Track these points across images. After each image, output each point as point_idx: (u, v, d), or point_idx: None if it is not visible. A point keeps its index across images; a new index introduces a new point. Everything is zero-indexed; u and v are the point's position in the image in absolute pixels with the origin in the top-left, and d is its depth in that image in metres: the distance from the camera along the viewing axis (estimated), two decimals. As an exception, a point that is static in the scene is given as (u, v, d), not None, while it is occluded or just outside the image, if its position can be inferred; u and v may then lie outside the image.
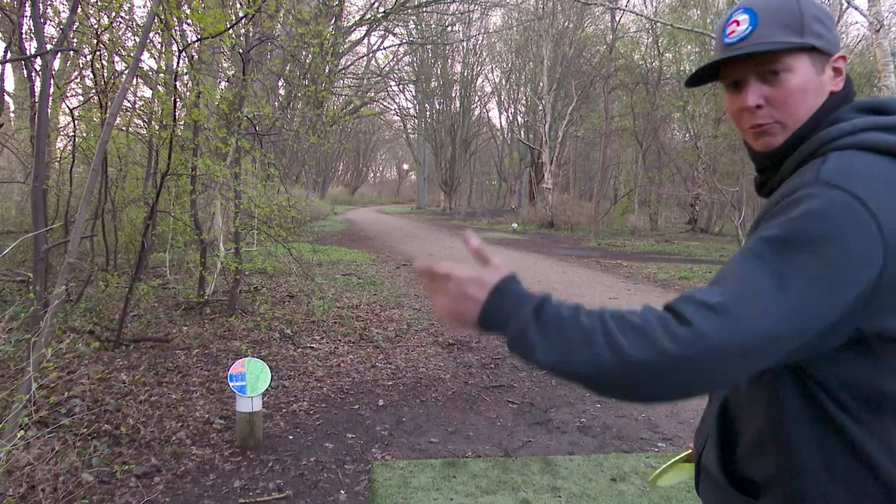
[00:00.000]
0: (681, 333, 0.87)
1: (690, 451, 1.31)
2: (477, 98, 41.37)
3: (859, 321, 0.93)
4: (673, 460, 1.46)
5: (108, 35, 6.00)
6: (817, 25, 1.07)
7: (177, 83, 5.49)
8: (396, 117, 43.83)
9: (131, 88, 7.70)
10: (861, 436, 0.97)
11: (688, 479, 1.36)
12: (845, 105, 1.08)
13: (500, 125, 44.16)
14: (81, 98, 8.04)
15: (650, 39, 26.25)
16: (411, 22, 27.75)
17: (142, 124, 8.53)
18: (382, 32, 24.41)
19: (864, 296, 0.91)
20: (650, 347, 0.87)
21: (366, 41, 23.52)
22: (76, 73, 8.62)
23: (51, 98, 6.07)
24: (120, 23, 6.81)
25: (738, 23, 1.10)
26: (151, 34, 6.37)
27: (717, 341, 0.87)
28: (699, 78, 1.17)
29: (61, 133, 8.12)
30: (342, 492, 3.30)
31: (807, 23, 1.07)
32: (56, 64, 8.21)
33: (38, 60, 4.91)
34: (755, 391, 1.08)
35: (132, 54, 4.53)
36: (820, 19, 1.08)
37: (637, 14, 21.85)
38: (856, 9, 10.80)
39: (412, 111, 41.82)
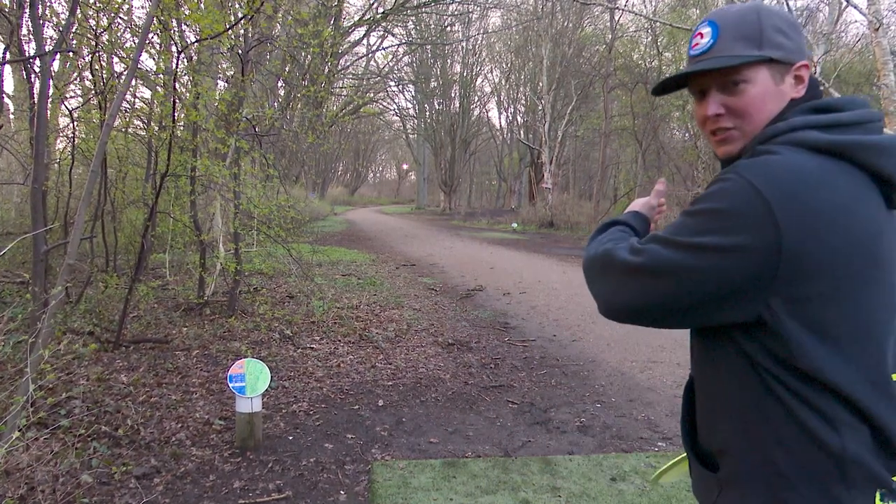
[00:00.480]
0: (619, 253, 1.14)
1: None
2: (476, 98, 41.38)
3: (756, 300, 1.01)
4: (676, 459, 1.47)
5: (107, 36, 6.00)
6: (778, 37, 1.13)
7: (176, 84, 5.49)
8: (396, 117, 43.84)
9: (130, 90, 7.70)
10: (799, 408, 1.03)
11: (688, 477, 1.38)
12: (801, 108, 1.13)
13: (500, 125, 44.17)
14: (81, 99, 8.05)
15: (649, 39, 26.24)
16: (410, 22, 27.74)
17: (141, 125, 8.53)
18: (382, 33, 24.41)
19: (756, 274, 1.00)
20: (602, 251, 1.20)
21: (365, 41, 23.52)
22: (76, 74, 8.62)
23: (50, 99, 6.07)
24: (119, 24, 6.81)
25: (701, 35, 1.17)
26: (151, 35, 6.37)
27: (625, 263, 1.11)
28: (667, 87, 1.24)
29: (61, 134, 8.12)
30: (342, 492, 3.30)
31: (766, 35, 1.12)
32: (56, 65, 8.22)
33: (38, 62, 4.90)
34: (706, 368, 1.16)
35: (131, 55, 4.52)
36: (782, 30, 1.13)
37: (636, 14, 21.85)
38: (855, 7, 10.80)
39: (412, 111, 41.85)
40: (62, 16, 6.55)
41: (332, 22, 15.01)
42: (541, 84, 26.99)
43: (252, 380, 3.71)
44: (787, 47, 1.13)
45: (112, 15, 6.07)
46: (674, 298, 1.07)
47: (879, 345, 1.05)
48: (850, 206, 1.01)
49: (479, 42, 36.63)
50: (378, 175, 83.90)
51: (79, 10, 5.31)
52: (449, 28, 30.87)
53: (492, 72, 41.79)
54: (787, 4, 15.60)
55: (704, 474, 1.20)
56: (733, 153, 1.17)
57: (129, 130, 7.74)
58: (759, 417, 1.07)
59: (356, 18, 19.37)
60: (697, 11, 24.69)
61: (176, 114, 5.63)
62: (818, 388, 1.02)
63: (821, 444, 1.03)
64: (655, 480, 1.48)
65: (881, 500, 1.05)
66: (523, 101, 36.55)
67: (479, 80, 40.79)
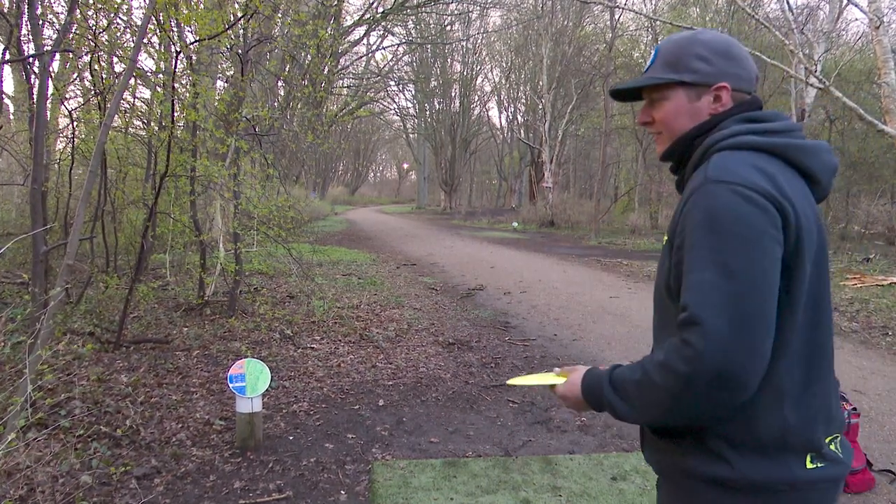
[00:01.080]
0: (686, 353, 1.11)
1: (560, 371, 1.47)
2: (477, 97, 41.38)
3: None
4: (539, 375, 1.60)
5: (106, 36, 5.99)
6: (697, 63, 1.31)
7: (175, 84, 5.48)
8: (396, 117, 43.83)
9: (130, 90, 7.69)
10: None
11: (537, 385, 1.54)
12: (735, 118, 1.30)
13: (500, 124, 44.17)
14: (80, 100, 8.04)
15: (650, 38, 26.21)
16: (410, 22, 27.73)
17: (141, 125, 8.52)
18: (381, 32, 24.39)
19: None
20: (673, 375, 1.12)
21: (365, 41, 23.50)
22: (75, 74, 8.61)
23: (49, 100, 6.07)
24: (118, 24, 6.81)
25: (651, 56, 1.39)
26: (150, 35, 6.37)
27: (708, 347, 1.10)
28: (622, 95, 1.47)
29: (61, 135, 8.12)
30: (342, 492, 3.29)
31: (684, 62, 1.32)
32: (55, 66, 8.21)
33: (37, 62, 4.90)
34: (662, 339, 1.30)
35: (130, 56, 4.51)
36: (703, 57, 1.31)
37: (636, 12, 21.82)
38: (856, 5, 10.77)
39: (412, 111, 41.82)
40: (61, 16, 6.55)
41: (331, 22, 15.01)
42: (541, 83, 26.98)
43: (252, 380, 3.70)
44: (703, 72, 1.30)
45: (111, 15, 6.06)
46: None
47: (826, 314, 1.24)
48: (792, 188, 1.20)
49: (479, 41, 36.64)
50: (378, 175, 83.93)
51: (78, 11, 5.30)
52: (449, 27, 30.86)
53: (492, 71, 41.77)
54: (788, 3, 15.58)
55: (653, 439, 1.34)
56: (661, 153, 1.41)
57: (129, 131, 7.74)
58: None
59: (356, 18, 19.36)
60: (697, 10, 24.68)
61: (175, 114, 5.62)
62: (780, 357, 1.18)
63: (762, 414, 1.18)
64: (512, 384, 1.59)
65: (811, 462, 1.19)
66: (523, 101, 36.54)
67: (480, 79, 40.81)
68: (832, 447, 1.23)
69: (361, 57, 25.34)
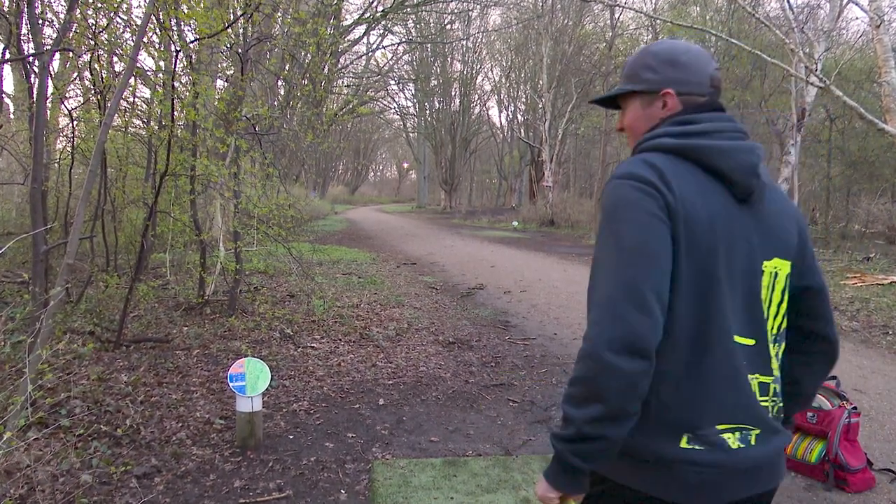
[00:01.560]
0: (586, 333, 1.26)
1: None
2: (477, 96, 41.35)
3: None
4: None
5: (105, 35, 5.98)
6: (646, 73, 1.44)
7: (175, 83, 5.48)
8: (396, 116, 43.81)
9: (130, 89, 7.69)
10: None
11: None
12: (668, 120, 1.41)
13: (500, 123, 44.16)
14: (80, 99, 8.04)
15: (650, 37, 26.19)
16: (410, 21, 27.72)
17: (141, 125, 8.52)
18: (381, 31, 24.37)
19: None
20: (581, 361, 1.26)
21: (365, 40, 23.49)
22: (75, 74, 8.61)
23: (49, 99, 6.06)
24: (118, 23, 6.80)
25: None
26: (150, 34, 6.37)
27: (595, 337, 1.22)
28: (606, 104, 1.59)
29: (61, 134, 8.12)
30: (342, 491, 3.29)
31: (636, 73, 1.46)
32: (55, 65, 8.20)
33: (36, 61, 4.89)
34: None
35: (130, 55, 4.51)
36: (651, 66, 1.43)
37: (636, 11, 21.81)
38: (856, 4, 10.77)
39: (412, 110, 41.79)
40: (61, 15, 6.55)
41: (331, 20, 15.00)
42: (541, 82, 26.96)
43: (252, 379, 3.70)
44: (651, 80, 1.42)
45: (111, 14, 6.06)
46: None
47: (719, 307, 1.28)
48: (695, 190, 1.29)
49: (479, 40, 36.62)
50: (378, 174, 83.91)
51: (77, 10, 5.29)
52: (449, 26, 30.84)
53: (492, 70, 41.73)
54: (788, 1, 15.56)
55: None
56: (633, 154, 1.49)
57: (129, 130, 7.74)
58: None
59: (356, 16, 19.35)
60: (697, 9, 24.68)
61: (175, 113, 5.62)
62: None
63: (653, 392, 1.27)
64: None
65: (688, 443, 1.27)
66: (524, 100, 36.51)
67: (480, 78, 40.78)
68: (725, 436, 1.28)
69: (361, 56, 25.35)
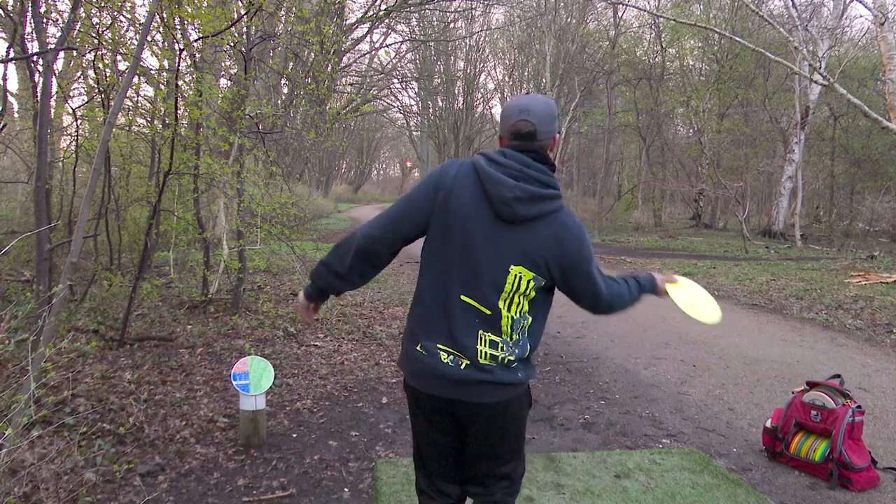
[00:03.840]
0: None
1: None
2: (480, 95, 41.31)
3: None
4: None
5: (109, 34, 5.98)
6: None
7: (179, 82, 5.48)
8: (399, 115, 43.71)
9: (133, 87, 7.69)
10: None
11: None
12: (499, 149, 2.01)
13: (503, 122, 44.04)
14: (84, 98, 8.05)
15: (653, 35, 26.16)
16: (413, 19, 27.68)
17: (145, 123, 8.52)
18: (385, 30, 24.36)
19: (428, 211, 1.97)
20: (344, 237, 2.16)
21: (368, 38, 23.49)
22: (79, 72, 8.62)
23: (53, 98, 6.06)
24: (122, 22, 6.80)
25: None
26: (154, 33, 6.36)
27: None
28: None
29: (65, 133, 8.13)
30: (346, 489, 3.30)
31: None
32: (59, 64, 8.21)
33: (41, 60, 4.90)
34: None
35: (134, 53, 4.51)
36: (502, 126, 2.09)
37: (640, 9, 21.77)
38: (860, 2, 10.74)
39: (415, 108, 41.75)
40: (65, 14, 6.55)
41: (334, 19, 14.99)
42: (544, 80, 26.91)
43: (256, 377, 3.71)
44: (501, 129, 2.02)
45: (115, 13, 6.06)
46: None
47: (453, 270, 1.93)
48: (465, 193, 1.92)
49: (482, 39, 36.56)
50: (382, 172, 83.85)
51: (81, 8, 5.30)
52: (452, 25, 30.79)
53: (495, 68, 41.73)
54: (793, 1, 15.51)
55: None
56: None
57: (133, 128, 7.73)
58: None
59: (359, 15, 19.34)
60: (700, 7, 24.63)
61: (179, 112, 5.62)
62: (421, 280, 2.03)
63: (413, 309, 2.05)
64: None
65: (420, 348, 1.97)
66: (527, 98, 36.41)
67: (483, 76, 40.76)
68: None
69: (365, 54, 25.35)
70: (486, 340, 1.93)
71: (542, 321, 2.06)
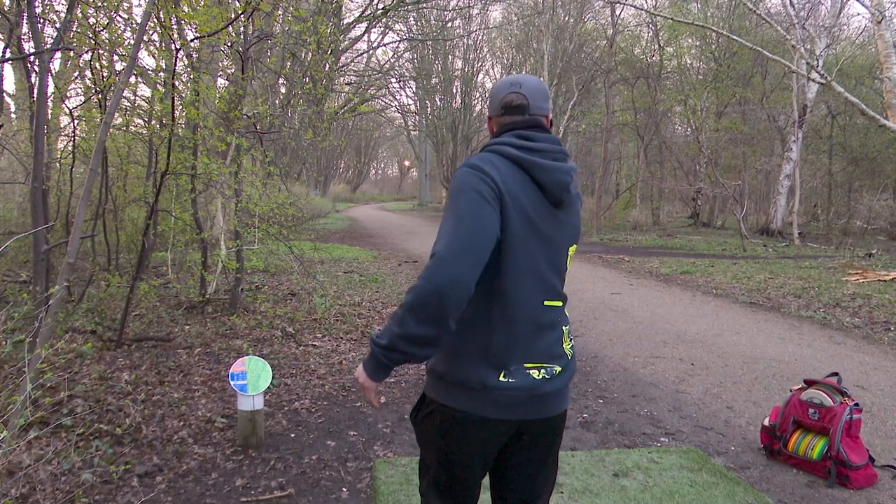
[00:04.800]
0: (422, 273, 1.59)
1: None
2: (478, 94, 41.26)
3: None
4: None
5: (106, 34, 5.98)
6: (488, 105, 1.91)
7: (175, 82, 5.47)
8: (397, 114, 43.68)
9: (130, 88, 7.68)
10: (478, 312, 1.72)
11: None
12: (508, 132, 1.80)
13: (501, 121, 44.04)
14: (81, 98, 8.04)
15: (651, 34, 26.17)
16: (411, 18, 27.66)
17: (141, 123, 8.52)
18: (382, 29, 24.33)
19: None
20: (413, 290, 1.61)
21: (365, 38, 23.45)
22: (76, 73, 8.60)
23: (50, 98, 6.06)
24: (118, 22, 6.79)
25: None
26: (151, 33, 6.35)
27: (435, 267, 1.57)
28: None
29: (62, 133, 8.11)
30: (344, 489, 3.29)
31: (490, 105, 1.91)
32: (56, 64, 8.20)
33: (37, 60, 4.89)
34: None
35: (130, 54, 4.50)
36: (489, 100, 1.91)
37: (637, 8, 21.77)
38: (858, 0, 10.75)
39: (413, 108, 41.71)
40: (61, 14, 6.54)
41: (331, 18, 14.98)
42: (542, 79, 26.87)
43: (254, 377, 3.70)
44: (489, 109, 1.89)
45: (111, 13, 6.05)
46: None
47: (535, 277, 1.72)
48: (519, 190, 1.69)
49: (480, 38, 36.55)
50: (380, 172, 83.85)
51: (78, 9, 5.29)
52: (450, 24, 30.78)
53: (493, 67, 41.63)
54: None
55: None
56: None
57: (130, 129, 7.73)
58: (465, 315, 1.67)
59: (357, 15, 19.31)
60: (698, 6, 24.62)
61: (176, 112, 5.61)
62: (492, 298, 1.71)
63: (480, 337, 1.72)
64: None
65: (504, 377, 1.71)
66: (525, 97, 36.40)
67: (481, 75, 40.66)
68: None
69: (362, 54, 25.30)
70: (566, 334, 1.84)
71: None
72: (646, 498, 3.22)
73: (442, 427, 1.78)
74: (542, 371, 1.74)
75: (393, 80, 27.98)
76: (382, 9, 17.62)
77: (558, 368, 1.78)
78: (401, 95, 38.46)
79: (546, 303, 1.75)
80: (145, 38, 6.16)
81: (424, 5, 21.19)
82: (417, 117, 42.69)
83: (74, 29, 6.04)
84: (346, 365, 5.44)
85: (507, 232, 1.65)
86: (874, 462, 3.62)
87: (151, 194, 6.39)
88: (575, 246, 1.85)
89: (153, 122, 7.76)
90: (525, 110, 1.81)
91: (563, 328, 1.81)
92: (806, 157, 23.95)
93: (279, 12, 9.78)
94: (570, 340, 1.86)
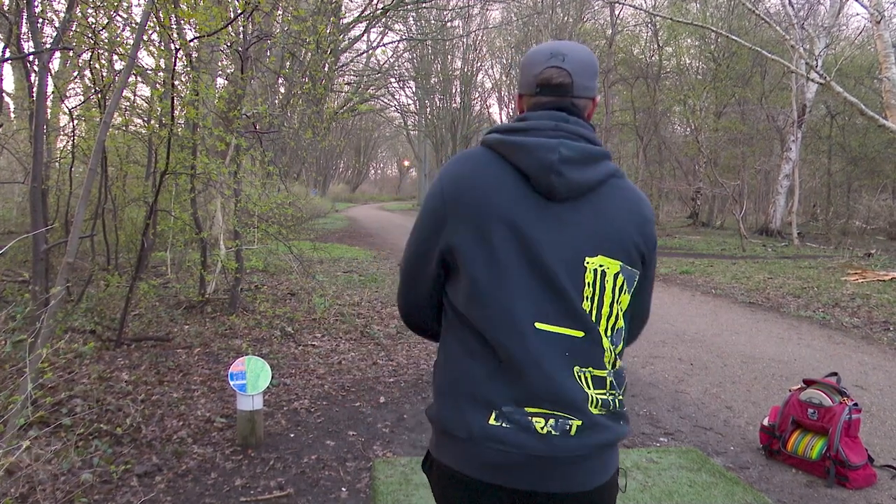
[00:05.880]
0: None
1: None
2: (477, 94, 41.28)
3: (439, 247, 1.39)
4: None
5: (105, 34, 5.97)
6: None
7: (175, 82, 5.47)
8: (397, 114, 43.69)
9: (130, 87, 7.68)
10: (452, 339, 1.39)
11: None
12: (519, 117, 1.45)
13: (501, 121, 44.07)
14: (81, 98, 8.04)
15: (650, 34, 26.17)
16: (411, 18, 27.65)
17: (141, 123, 8.51)
18: (382, 29, 24.33)
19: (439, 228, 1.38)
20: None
21: (365, 38, 23.44)
22: (75, 72, 8.60)
23: (49, 98, 6.05)
24: (117, 22, 6.79)
25: None
26: (150, 33, 6.35)
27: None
28: None
29: (61, 133, 8.11)
30: (343, 489, 3.29)
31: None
32: (55, 64, 8.20)
33: (36, 60, 4.89)
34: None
35: (130, 53, 4.50)
36: (523, 77, 1.47)
37: (636, 8, 21.78)
38: (857, 0, 10.76)
39: (412, 108, 41.71)
40: (61, 14, 6.54)
41: (330, 18, 14.98)
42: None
43: (253, 377, 3.70)
44: (520, 84, 1.47)
45: (111, 12, 6.05)
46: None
47: (511, 293, 1.30)
48: (488, 186, 1.34)
49: (479, 37, 36.55)
50: (379, 172, 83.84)
51: (77, 8, 5.29)
52: (449, 24, 30.77)
53: (492, 67, 41.64)
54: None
55: None
56: None
57: (129, 128, 7.72)
58: (441, 345, 1.43)
59: (356, 14, 19.30)
60: (697, 5, 24.62)
61: (175, 111, 5.61)
62: (465, 324, 1.35)
63: (459, 367, 1.35)
64: None
65: (496, 419, 1.29)
66: (524, 97, 36.43)
67: (480, 75, 40.70)
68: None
69: (362, 53, 25.29)
70: (587, 379, 1.32)
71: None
72: (645, 498, 3.22)
73: (438, 487, 1.46)
74: (550, 422, 1.29)
75: (392, 79, 28.01)
76: (382, 9, 17.60)
77: (576, 423, 1.29)
78: (400, 95, 38.45)
79: (539, 326, 1.30)
80: (145, 37, 6.16)
81: (424, 5, 21.19)
82: (417, 117, 42.68)
83: (74, 28, 6.04)
84: (346, 365, 5.45)
85: (457, 245, 1.34)
86: (873, 462, 3.62)
87: (151, 194, 6.40)
88: (604, 259, 1.34)
89: (152, 122, 7.76)
90: (568, 90, 1.39)
91: (578, 370, 1.32)
92: (805, 157, 23.96)
93: (279, 12, 9.79)
94: (611, 389, 1.36)
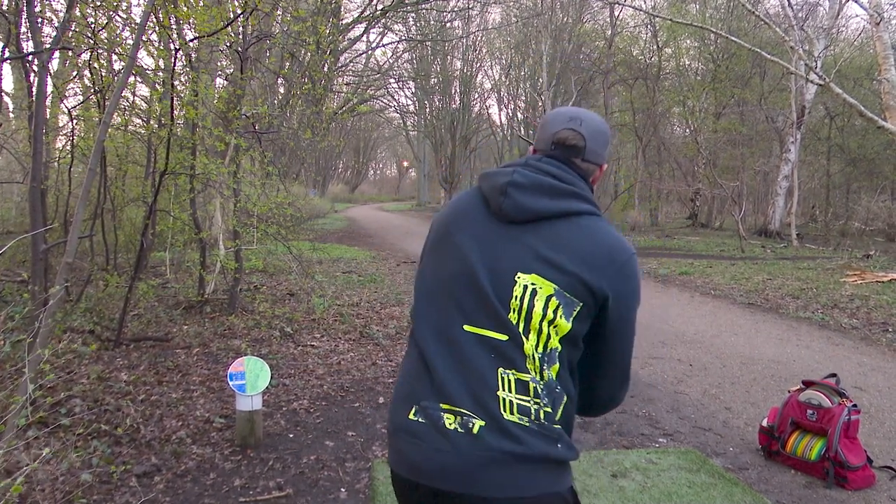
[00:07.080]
0: None
1: None
2: (476, 94, 41.25)
3: None
4: None
5: (105, 34, 5.98)
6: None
7: (174, 82, 5.47)
8: (396, 114, 43.68)
9: (129, 87, 7.68)
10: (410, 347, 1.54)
11: None
12: None
13: (500, 121, 44.00)
14: (80, 98, 8.04)
15: (649, 34, 26.17)
16: (410, 19, 27.67)
17: (140, 123, 8.52)
18: (381, 29, 24.34)
19: None
20: None
21: (364, 38, 23.45)
22: (74, 72, 8.60)
23: (49, 98, 6.05)
24: (117, 22, 6.79)
25: None
26: (150, 33, 6.36)
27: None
28: None
29: (60, 133, 8.12)
30: (343, 490, 3.29)
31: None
32: (54, 64, 8.20)
33: (36, 60, 4.89)
34: None
35: (129, 53, 4.50)
36: (540, 135, 1.59)
37: (636, 9, 21.79)
38: (856, 2, 10.77)
39: (412, 108, 41.70)
40: (60, 14, 6.54)
41: (330, 19, 14.98)
42: (541, 80, 26.93)
43: (252, 378, 3.70)
44: (537, 140, 1.57)
45: (110, 12, 6.05)
46: None
47: (443, 297, 1.43)
48: (458, 209, 1.52)
49: (479, 38, 36.55)
50: (378, 172, 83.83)
51: (76, 8, 5.29)
52: (449, 24, 30.78)
53: (492, 68, 41.60)
54: (789, 0, 15.53)
55: None
56: None
57: (129, 128, 7.72)
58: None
59: (356, 15, 19.31)
60: (696, 6, 24.64)
61: (175, 112, 5.61)
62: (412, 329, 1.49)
63: (403, 369, 1.49)
64: None
65: (414, 414, 1.37)
66: (523, 98, 36.45)
67: (479, 76, 40.65)
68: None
69: (361, 54, 25.30)
70: (510, 382, 1.33)
71: (575, 381, 1.45)
72: (644, 499, 3.22)
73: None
74: (457, 419, 1.31)
75: (392, 80, 28.03)
76: (381, 9, 17.62)
77: (479, 422, 1.30)
78: (399, 96, 38.48)
79: (466, 328, 1.37)
80: (144, 37, 6.16)
81: (424, 6, 21.20)
82: (416, 117, 42.68)
83: (73, 28, 6.03)
84: (345, 365, 5.44)
85: (422, 256, 1.55)
86: (872, 463, 3.62)
87: (150, 194, 6.39)
88: (536, 278, 1.37)
89: (152, 122, 7.76)
90: (580, 153, 1.48)
91: (502, 371, 1.33)
92: (804, 158, 23.97)
93: (278, 12, 9.79)
94: (535, 397, 1.33)
